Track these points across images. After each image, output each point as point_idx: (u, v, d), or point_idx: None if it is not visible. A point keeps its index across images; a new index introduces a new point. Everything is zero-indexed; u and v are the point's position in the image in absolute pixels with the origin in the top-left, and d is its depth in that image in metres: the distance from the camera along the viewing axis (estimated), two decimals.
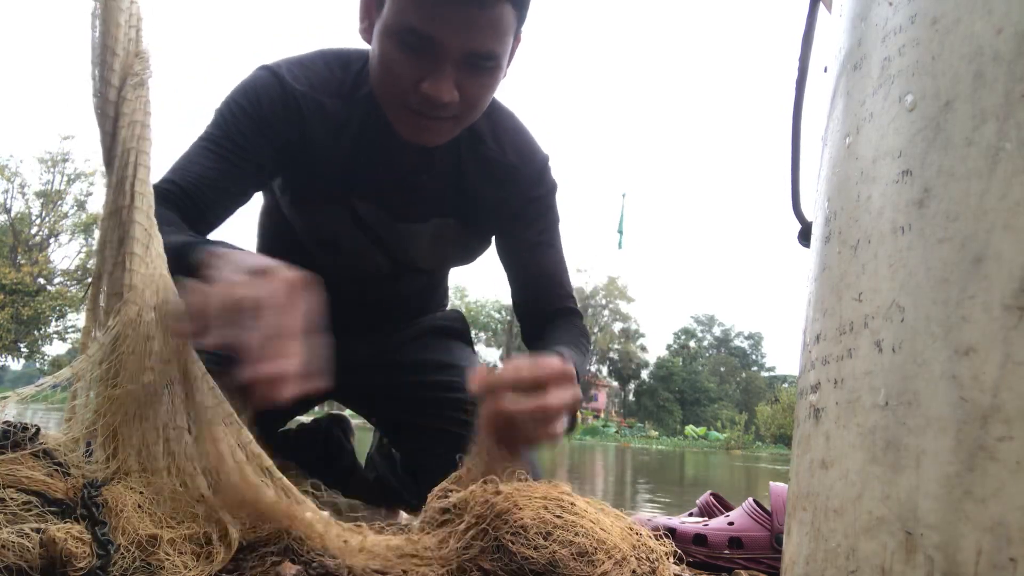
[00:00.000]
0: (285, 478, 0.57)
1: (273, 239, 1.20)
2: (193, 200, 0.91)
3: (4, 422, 0.55)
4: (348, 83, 1.00)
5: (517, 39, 0.94)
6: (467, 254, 1.18)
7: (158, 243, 0.61)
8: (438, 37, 0.83)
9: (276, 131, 0.96)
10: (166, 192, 0.88)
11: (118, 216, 0.59)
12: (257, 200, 1.15)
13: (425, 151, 1.00)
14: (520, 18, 0.90)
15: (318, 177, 1.02)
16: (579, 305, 1.18)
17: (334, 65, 1.01)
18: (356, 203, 1.05)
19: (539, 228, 1.12)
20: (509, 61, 0.95)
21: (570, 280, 1.16)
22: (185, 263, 0.66)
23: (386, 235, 1.09)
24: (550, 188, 1.12)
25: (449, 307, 1.41)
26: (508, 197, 1.09)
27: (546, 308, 1.12)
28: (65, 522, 0.48)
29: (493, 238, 1.16)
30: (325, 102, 0.98)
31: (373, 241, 1.09)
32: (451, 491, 0.62)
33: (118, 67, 0.59)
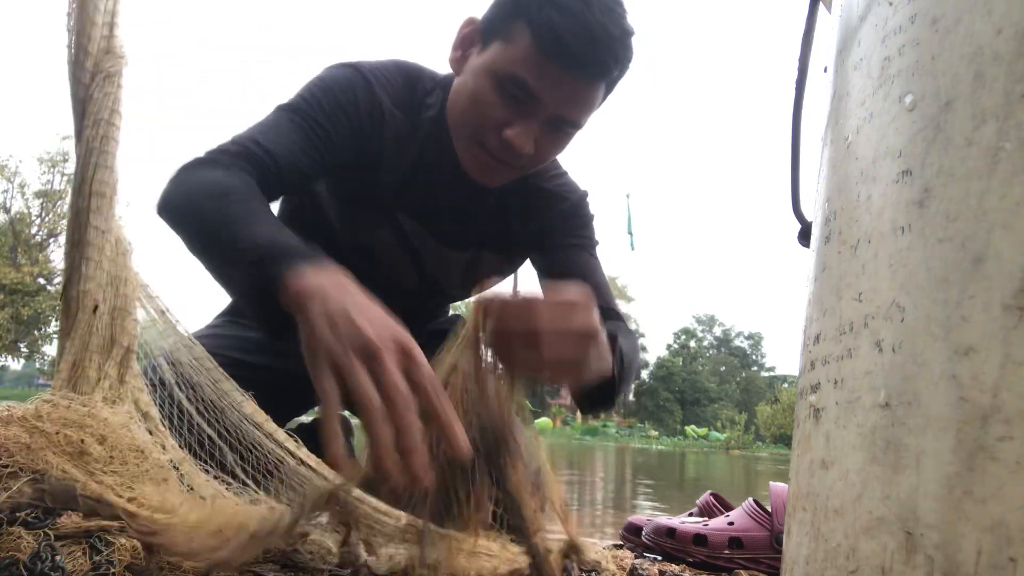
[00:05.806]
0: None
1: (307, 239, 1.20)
2: (280, 175, 0.86)
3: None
4: (415, 101, 1.02)
5: None
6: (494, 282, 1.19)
7: (118, 243, 0.59)
8: (541, 96, 0.88)
9: (363, 137, 0.97)
10: (252, 155, 0.84)
11: (80, 218, 0.57)
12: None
13: (481, 187, 1.02)
14: (604, 98, 0.95)
15: (372, 185, 1.03)
16: None
17: (406, 79, 1.03)
18: (402, 219, 1.06)
19: (575, 237, 1.12)
20: None
21: (612, 294, 1.10)
22: (266, 270, 0.59)
23: (426, 255, 1.11)
24: (588, 217, 1.15)
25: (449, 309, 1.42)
26: (548, 226, 1.11)
27: None
28: None
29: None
30: (396, 114, 1.00)
31: (412, 258, 1.11)
32: None
33: (90, 65, 0.58)
